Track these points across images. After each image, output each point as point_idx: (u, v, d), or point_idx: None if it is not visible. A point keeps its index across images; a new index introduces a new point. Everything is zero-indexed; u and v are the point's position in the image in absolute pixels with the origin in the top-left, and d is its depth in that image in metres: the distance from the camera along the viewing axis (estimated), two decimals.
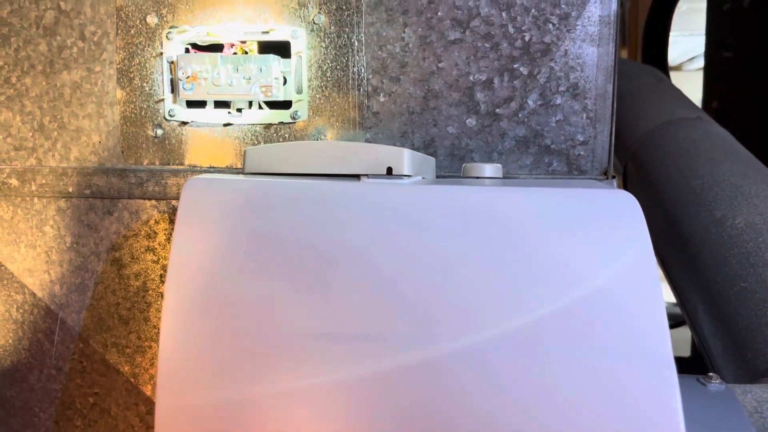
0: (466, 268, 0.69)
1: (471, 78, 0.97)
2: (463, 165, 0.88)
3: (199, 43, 1.02)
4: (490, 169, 0.87)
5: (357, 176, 0.85)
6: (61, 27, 1.07)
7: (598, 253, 0.67)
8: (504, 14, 0.95)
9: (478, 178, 0.88)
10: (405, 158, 0.82)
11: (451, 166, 0.99)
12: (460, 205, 0.73)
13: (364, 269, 0.73)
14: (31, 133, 1.10)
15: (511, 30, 0.95)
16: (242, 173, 0.91)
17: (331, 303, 0.73)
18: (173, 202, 1.07)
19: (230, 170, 1.05)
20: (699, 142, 1.47)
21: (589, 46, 0.93)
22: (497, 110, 0.97)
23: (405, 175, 0.83)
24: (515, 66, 0.96)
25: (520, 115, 0.96)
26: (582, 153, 0.96)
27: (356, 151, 0.84)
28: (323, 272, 0.72)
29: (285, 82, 1.03)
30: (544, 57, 0.95)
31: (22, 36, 1.08)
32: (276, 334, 0.75)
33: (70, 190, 1.09)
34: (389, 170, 0.83)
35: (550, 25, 0.94)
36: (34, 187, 1.10)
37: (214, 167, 1.05)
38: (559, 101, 0.95)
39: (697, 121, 1.64)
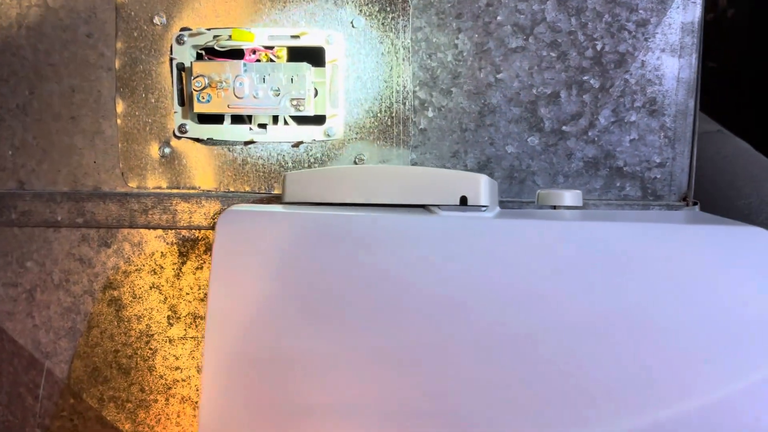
0: (586, 322, 0.58)
1: (534, 91, 0.86)
2: (538, 192, 0.77)
3: (217, 48, 0.88)
4: (570, 197, 0.76)
5: (423, 207, 0.73)
6: (48, 27, 0.91)
7: (750, 302, 0.56)
8: (573, 20, 0.84)
9: (555, 207, 0.77)
10: (482, 186, 0.71)
11: (509, 190, 0.88)
12: (564, 244, 0.62)
13: (449, 324, 0.61)
14: (10, 151, 0.94)
15: (581, 38, 0.85)
16: (281, 202, 0.77)
17: (408, 369, 0.61)
18: (183, 232, 0.93)
19: (252, 194, 0.91)
20: (733, 158, 1.39)
21: (669, 56, 0.84)
22: (564, 128, 0.86)
23: (481, 206, 0.71)
24: (585, 78, 0.85)
25: (589, 134, 0.86)
26: (658, 176, 0.86)
27: (423, 177, 0.72)
28: (397, 324, 0.60)
29: (316, 94, 0.90)
30: (618, 69, 0.85)
31: (1, 37, 0.93)
32: (337, 398, 0.62)
33: (59, 218, 0.93)
34: (463, 200, 0.71)
35: (626, 33, 0.84)
36: (14, 216, 0.94)
37: (233, 192, 0.91)
38: (633, 118, 0.85)
39: (720, 135, 1.57)
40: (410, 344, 0.63)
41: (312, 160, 0.91)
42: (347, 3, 0.88)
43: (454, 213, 0.68)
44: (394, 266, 0.66)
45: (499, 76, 0.87)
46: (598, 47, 0.85)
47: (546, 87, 0.87)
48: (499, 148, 0.88)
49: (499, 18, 0.86)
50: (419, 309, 0.64)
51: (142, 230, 0.94)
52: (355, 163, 0.90)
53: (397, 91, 0.88)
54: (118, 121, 0.92)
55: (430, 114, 0.89)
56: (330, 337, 0.65)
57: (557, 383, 0.60)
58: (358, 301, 0.66)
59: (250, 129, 0.91)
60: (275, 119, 0.91)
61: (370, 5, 0.88)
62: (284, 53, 0.89)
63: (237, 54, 0.89)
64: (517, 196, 0.88)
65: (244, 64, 0.87)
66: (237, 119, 0.93)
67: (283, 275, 0.68)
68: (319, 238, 0.68)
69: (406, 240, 0.67)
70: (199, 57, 0.91)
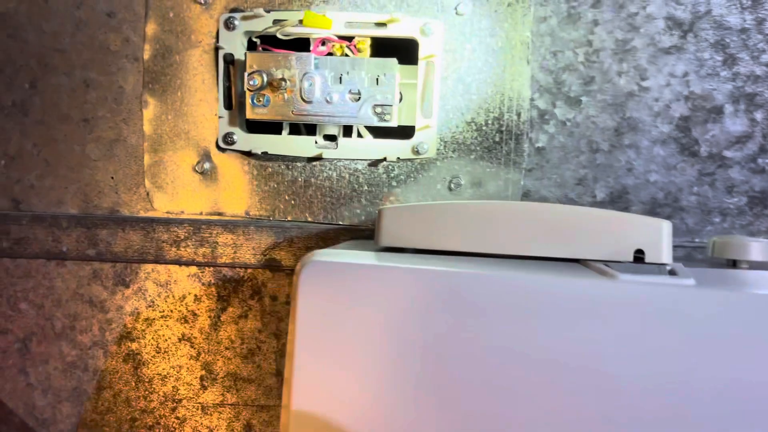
0: None
1: (689, 104, 0.67)
2: (713, 239, 0.58)
3: (280, 37, 0.68)
4: (759, 249, 0.57)
5: (577, 262, 0.54)
6: (57, 2, 0.71)
7: None
8: (747, 14, 0.65)
9: (735, 263, 0.58)
10: (665, 237, 0.52)
11: None
12: None
13: None
14: (3, 161, 0.73)
15: (757, 38, 0.66)
16: (376, 246, 0.58)
17: None
18: (224, 270, 0.73)
19: (316, 225, 0.71)
20: None
21: None
22: (725, 152, 0.67)
23: (663, 264, 0.52)
24: (758, 90, 0.66)
25: (759, 162, 0.67)
26: None
27: (579, 219, 0.53)
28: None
29: (401, 100, 0.70)
30: None
31: None
32: None
33: (65, 248, 0.73)
34: (638, 255, 0.52)
35: None
36: (6, 243, 0.73)
37: (291, 222, 0.72)
38: None
39: None
40: None
41: (393, 183, 0.71)
42: None
43: (636, 277, 0.49)
44: (549, 351, 0.47)
45: (644, 83, 0.68)
46: None
47: (706, 99, 0.68)
48: (639, 176, 0.69)
49: (649, 9, 0.67)
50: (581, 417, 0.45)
51: (171, 267, 0.74)
52: (450, 189, 0.71)
53: (510, 99, 0.69)
54: (145, 126, 0.72)
55: (552, 129, 0.69)
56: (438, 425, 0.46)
57: None
58: (484, 398, 0.47)
59: (316, 142, 0.71)
60: (346, 130, 0.72)
61: None
62: (367, 46, 0.69)
63: (301, 45, 0.69)
64: None
65: (316, 59, 0.67)
66: (297, 129, 0.74)
67: (383, 349, 0.48)
68: (434, 304, 0.49)
69: (564, 314, 0.47)
70: (252, 47, 0.71)
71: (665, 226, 0.53)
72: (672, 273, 0.51)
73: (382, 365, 0.49)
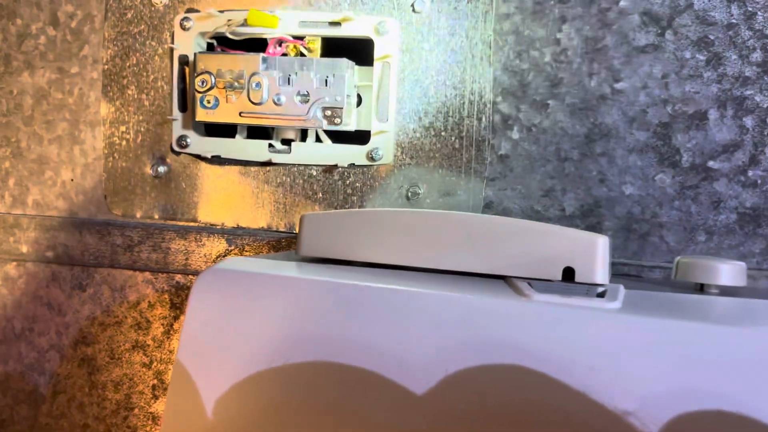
0: None
1: (669, 109, 0.60)
2: (678, 260, 0.51)
3: (230, 37, 0.66)
4: (729, 273, 0.50)
5: (502, 279, 0.48)
6: (23, 5, 0.71)
7: None
8: (735, 8, 0.58)
9: (703, 287, 0.51)
10: (599, 255, 0.46)
11: (625, 248, 0.62)
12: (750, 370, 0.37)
13: None
14: None
15: (746, 34, 0.59)
16: (297, 255, 0.55)
17: None
18: (177, 277, 0.71)
19: (268, 233, 0.68)
20: None
21: None
22: (710, 163, 0.60)
23: (596, 285, 0.46)
24: (747, 93, 0.59)
25: (750, 174, 0.60)
26: None
27: (505, 233, 0.48)
28: None
29: (359, 103, 0.67)
30: None
31: None
32: None
33: (24, 250, 0.73)
34: (568, 273, 0.46)
35: None
36: None
37: (243, 229, 0.69)
38: None
39: None
40: None
41: (349, 191, 0.68)
42: None
43: (554, 297, 0.43)
44: (447, 369, 0.42)
45: (617, 85, 0.62)
46: None
47: (687, 104, 0.61)
48: (613, 188, 0.63)
49: (623, 3, 0.61)
50: None
51: (126, 271, 0.72)
52: (408, 198, 0.67)
53: (471, 102, 0.64)
54: (103, 128, 0.71)
55: (516, 135, 0.64)
56: None
57: None
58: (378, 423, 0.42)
59: (271, 146, 0.69)
60: (304, 134, 0.69)
61: None
62: (318, 45, 0.66)
63: (259, 45, 0.67)
64: (636, 256, 0.63)
65: (264, 59, 0.65)
66: (255, 132, 0.71)
67: (279, 370, 0.45)
68: (338, 322, 0.45)
69: (476, 335, 0.43)
70: (210, 48, 0.69)
71: (601, 242, 0.47)
72: (601, 295, 0.45)
73: (265, 381, 0.46)
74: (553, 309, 0.42)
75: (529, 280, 0.47)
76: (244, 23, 0.66)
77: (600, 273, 0.47)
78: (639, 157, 0.62)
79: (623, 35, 0.62)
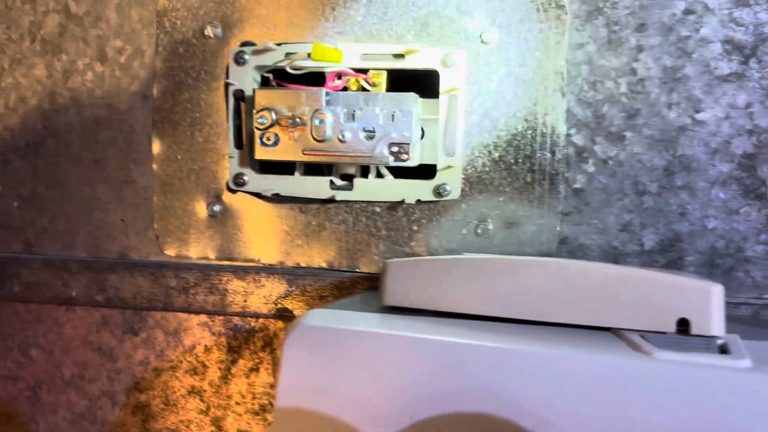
0: None
1: (755, 139, 0.58)
2: None
3: (289, 71, 0.64)
4: None
5: (608, 330, 0.46)
6: (68, 40, 0.69)
7: None
8: None
9: None
10: (714, 305, 0.44)
11: None
12: None
13: None
14: (16, 203, 0.72)
15: None
16: (381, 305, 0.52)
17: None
18: (235, 320, 0.68)
19: (329, 273, 0.66)
20: None
21: None
22: None
23: (708, 337, 0.44)
24: None
25: None
26: None
27: (612, 281, 0.46)
28: None
29: (422, 136, 0.65)
30: None
31: (8, 53, 0.71)
32: None
33: (74, 293, 0.70)
34: (681, 324, 0.44)
35: None
36: (17, 287, 0.72)
37: (304, 269, 0.67)
38: None
39: None
40: None
41: (415, 227, 0.65)
42: (475, 8, 0.62)
43: (678, 355, 0.40)
44: None
45: (698, 116, 0.59)
46: None
47: None
48: (695, 222, 0.60)
49: (703, 31, 0.59)
50: None
51: (180, 314, 0.70)
52: (477, 234, 0.64)
53: (544, 135, 0.62)
54: (155, 166, 0.69)
55: (591, 168, 0.62)
56: None
57: None
58: None
59: (332, 183, 0.66)
60: (364, 169, 0.66)
61: (508, 12, 0.62)
62: (384, 79, 0.64)
63: (316, 79, 0.65)
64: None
65: (327, 94, 0.62)
66: (312, 169, 0.69)
67: (368, 426, 0.42)
68: (433, 378, 0.42)
69: (589, 395, 0.40)
70: (265, 82, 0.67)
71: (715, 292, 0.45)
72: (723, 350, 0.43)
73: None
74: (680, 368, 0.40)
75: (641, 333, 0.45)
76: (308, 57, 0.63)
77: (716, 324, 0.45)
78: (722, 189, 0.60)
79: (704, 64, 0.59)
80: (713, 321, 0.45)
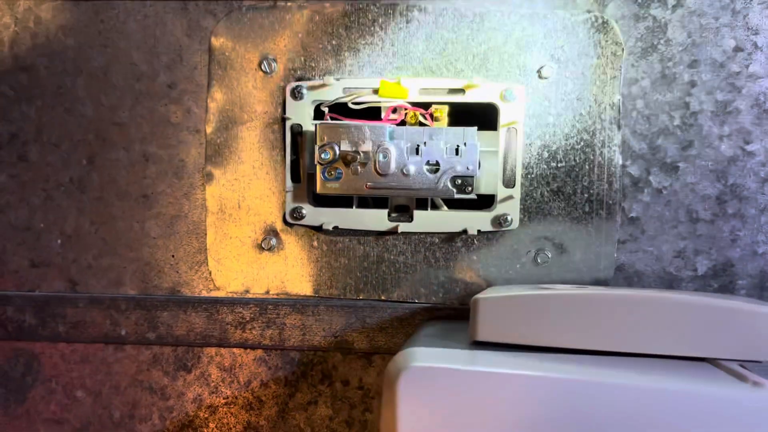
0: None
1: None
2: None
3: (351, 106, 0.65)
4: None
5: (703, 360, 0.48)
6: (116, 74, 0.68)
7: None
8: None
9: None
10: None
11: None
12: None
13: None
14: (59, 240, 0.70)
15: None
16: (471, 340, 0.53)
17: None
18: (292, 354, 0.68)
19: (389, 304, 0.67)
20: None
21: None
22: None
23: None
24: None
25: None
26: None
27: (701, 312, 0.48)
28: None
29: (479, 167, 0.66)
30: None
31: (50, 88, 0.70)
32: None
33: (123, 332, 0.69)
34: None
35: None
36: (62, 328, 0.70)
37: (364, 300, 0.67)
38: None
39: None
40: None
41: (474, 257, 0.66)
42: (534, 45, 0.64)
43: None
44: None
45: (749, 147, 0.63)
46: None
47: None
48: (746, 248, 0.64)
49: (752, 67, 0.62)
50: None
51: (235, 350, 0.69)
52: (536, 263, 0.66)
53: (601, 166, 0.64)
54: (207, 201, 0.68)
55: (647, 198, 0.64)
56: None
57: None
58: None
59: (390, 215, 0.67)
60: (420, 201, 0.67)
61: (566, 48, 0.64)
62: (444, 114, 0.65)
63: (369, 112, 0.65)
64: None
65: (390, 129, 0.63)
66: (365, 201, 0.69)
67: None
68: (547, 416, 0.43)
69: (698, 429, 0.42)
70: (318, 116, 0.67)
71: None
72: None
73: None
74: None
75: (741, 363, 0.47)
76: (372, 92, 0.64)
77: None
78: None
79: (754, 98, 0.63)
80: None
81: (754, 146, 0.63)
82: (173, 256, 0.70)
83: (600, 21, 0.64)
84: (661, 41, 0.64)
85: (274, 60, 0.67)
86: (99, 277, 0.71)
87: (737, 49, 0.63)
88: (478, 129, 0.65)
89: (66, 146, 0.70)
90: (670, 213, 0.65)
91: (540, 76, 0.65)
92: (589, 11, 0.64)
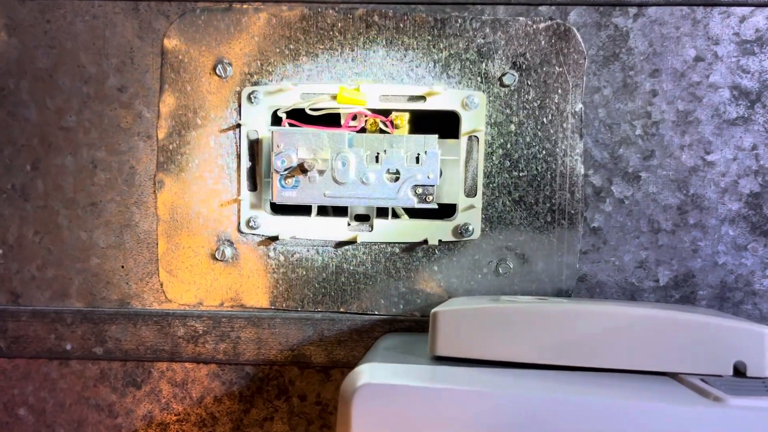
0: None
1: (760, 179, 0.61)
2: None
3: (309, 113, 0.63)
4: None
5: (664, 375, 0.47)
6: (62, 75, 0.65)
7: None
8: None
9: None
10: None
11: None
12: None
13: None
14: (0, 251, 0.66)
15: None
16: (432, 355, 0.51)
17: None
18: (248, 368, 0.66)
19: (347, 316, 0.65)
20: None
21: None
22: None
23: (764, 378, 0.46)
24: None
25: None
26: None
27: (663, 326, 0.47)
28: None
29: (440, 175, 0.65)
30: None
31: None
32: None
33: (69, 347, 0.66)
34: (739, 369, 0.46)
35: None
36: (3, 343, 0.66)
37: (322, 312, 0.65)
38: None
39: None
40: None
41: (435, 267, 0.65)
42: (496, 52, 0.63)
43: (750, 400, 0.42)
44: None
45: (709, 157, 0.63)
46: None
47: None
48: (707, 259, 0.63)
49: (713, 78, 0.62)
50: None
51: (188, 365, 0.67)
52: (497, 273, 0.65)
53: (563, 175, 0.63)
54: (159, 209, 0.65)
55: (609, 208, 0.64)
56: None
57: None
58: None
59: (349, 224, 0.65)
60: (379, 210, 0.66)
61: (528, 56, 0.63)
62: (405, 122, 0.63)
63: (329, 119, 0.63)
64: None
65: (350, 136, 0.61)
66: (324, 209, 0.68)
67: None
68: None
69: None
70: (276, 122, 0.65)
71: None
72: None
73: None
74: (755, 414, 0.42)
75: (701, 377, 0.46)
76: (330, 99, 0.62)
77: None
78: (732, 227, 0.63)
79: (713, 108, 0.63)
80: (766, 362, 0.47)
81: (714, 156, 0.63)
82: (122, 266, 0.67)
83: (562, 29, 0.63)
84: (623, 50, 0.63)
85: (230, 64, 0.65)
86: (43, 289, 0.67)
87: (698, 58, 0.63)
88: (440, 137, 0.63)
89: (8, 151, 0.67)
90: (632, 223, 0.64)
91: (502, 84, 0.64)
92: (551, 19, 0.63)
